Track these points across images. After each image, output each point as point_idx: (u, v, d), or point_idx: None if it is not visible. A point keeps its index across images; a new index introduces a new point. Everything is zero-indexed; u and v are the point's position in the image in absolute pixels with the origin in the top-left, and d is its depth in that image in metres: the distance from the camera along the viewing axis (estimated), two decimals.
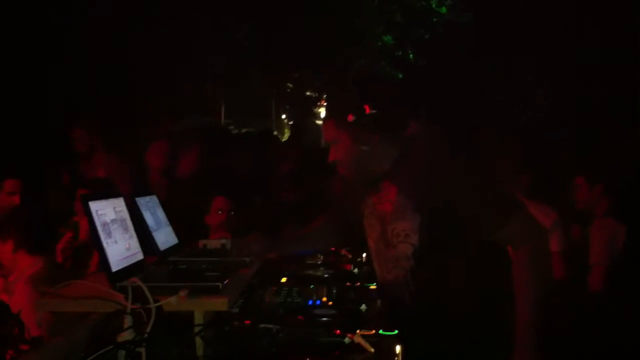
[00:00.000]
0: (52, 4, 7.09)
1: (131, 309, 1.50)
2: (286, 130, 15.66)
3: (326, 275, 2.11)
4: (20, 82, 6.58)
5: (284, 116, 17.95)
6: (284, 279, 2.05)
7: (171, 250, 2.14)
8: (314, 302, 1.78)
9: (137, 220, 1.94)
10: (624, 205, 3.61)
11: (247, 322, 1.61)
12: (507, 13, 8.33)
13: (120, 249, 1.73)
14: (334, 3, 10.93)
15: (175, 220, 2.27)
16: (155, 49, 8.23)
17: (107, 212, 1.74)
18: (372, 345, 1.44)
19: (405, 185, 1.95)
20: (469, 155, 2.03)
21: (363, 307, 1.73)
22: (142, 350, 1.45)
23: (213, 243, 2.34)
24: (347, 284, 2.00)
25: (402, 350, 1.44)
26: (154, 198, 2.21)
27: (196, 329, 1.56)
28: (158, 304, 1.50)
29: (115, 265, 1.65)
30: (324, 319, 1.64)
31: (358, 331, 1.50)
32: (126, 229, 1.82)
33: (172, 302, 1.52)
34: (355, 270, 2.20)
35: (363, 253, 2.38)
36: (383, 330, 1.52)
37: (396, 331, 1.52)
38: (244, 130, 9.42)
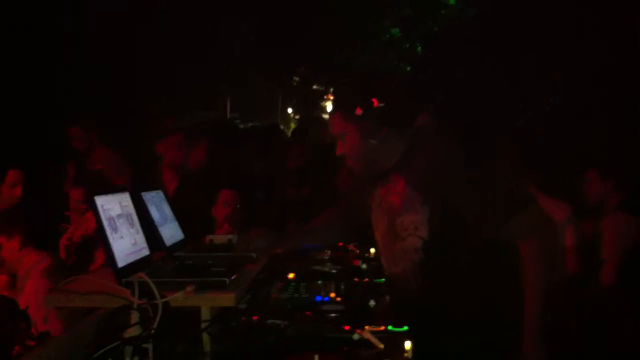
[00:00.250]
0: (54, 3, 7.08)
1: (138, 304, 1.49)
2: (292, 125, 15.66)
3: (334, 271, 2.09)
4: (20, 81, 6.56)
5: (290, 110, 17.94)
6: (291, 275, 2.03)
7: (177, 245, 2.13)
8: (322, 298, 1.76)
9: (143, 216, 1.93)
10: (637, 199, 3.57)
11: (255, 317, 1.60)
12: (515, 9, 8.28)
13: (126, 244, 1.72)
14: None
15: (186, 214, 2.27)
16: (158, 43, 8.20)
17: (113, 207, 1.73)
18: (381, 342, 1.42)
19: (414, 178, 1.94)
20: (477, 149, 2.01)
21: (372, 302, 1.71)
22: (149, 346, 1.44)
23: (219, 238, 2.34)
24: (355, 279, 1.98)
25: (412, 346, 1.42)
26: (160, 193, 2.20)
27: (203, 325, 1.55)
28: (165, 299, 1.48)
29: (121, 261, 1.64)
30: (332, 314, 1.62)
31: (367, 327, 1.48)
32: (132, 224, 1.81)
33: (178, 298, 1.50)
34: (364, 266, 2.18)
35: (371, 248, 2.36)
36: (392, 326, 1.50)
37: (406, 327, 1.50)
38: (249, 125, 9.41)
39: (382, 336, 1.45)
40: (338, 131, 2.01)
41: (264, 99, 15.09)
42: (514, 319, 1.88)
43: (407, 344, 1.41)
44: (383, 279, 1.99)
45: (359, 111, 1.93)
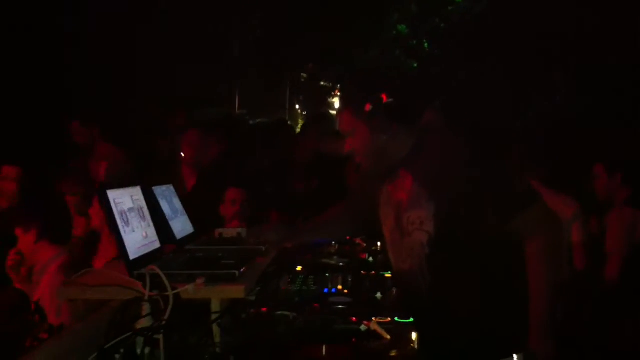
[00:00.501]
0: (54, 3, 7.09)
1: (149, 296, 1.52)
2: (300, 121, 15.66)
3: (341, 264, 2.11)
4: (20, 81, 6.58)
5: (297, 106, 17.95)
6: (299, 268, 2.06)
7: (187, 238, 2.16)
8: (329, 290, 1.79)
9: (154, 209, 1.96)
10: None
11: (264, 309, 1.62)
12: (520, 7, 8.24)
13: (137, 237, 1.75)
14: None
15: (203, 209, 2.30)
16: (158, 43, 8.21)
17: (124, 200, 1.76)
18: (388, 333, 1.45)
19: (421, 174, 1.95)
20: (483, 147, 2.02)
21: (379, 295, 1.73)
22: (160, 337, 1.46)
23: (229, 232, 2.37)
24: (363, 272, 2.01)
25: (418, 337, 1.44)
26: (171, 187, 2.24)
27: (213, 317, 1.57)
28: (176, 291, 1.51)
29: (133, 254, 1.67)
30: (340, 306, 1.65)
31: (374, 318, 1.51)
32: (143, 218, 1.84)
33: (189, 290, 1.53)
34: (370, 259, 2.21)
35: (378, 242, 2.38)
36: (399, 318, 1.53)
37: (412, 319, 1.52)
38: (258, 121, 9.43)
39: (389, 327, 1.47)
40: (347, 127, 2.01)
41: (271, 96, 15.09)
42: (520, 316, 1.88)
43: (414, 335, 1.44)
44: (389, 272, 2.01)
45: (368, 107, 1.94)
